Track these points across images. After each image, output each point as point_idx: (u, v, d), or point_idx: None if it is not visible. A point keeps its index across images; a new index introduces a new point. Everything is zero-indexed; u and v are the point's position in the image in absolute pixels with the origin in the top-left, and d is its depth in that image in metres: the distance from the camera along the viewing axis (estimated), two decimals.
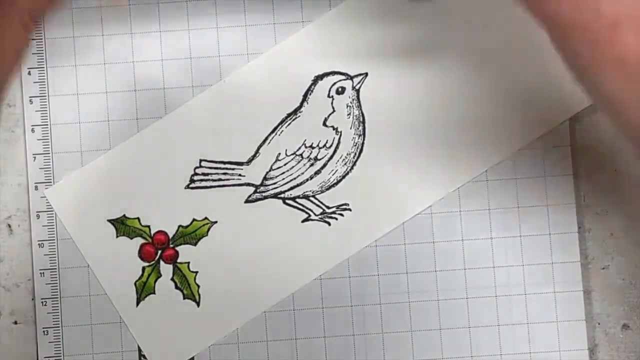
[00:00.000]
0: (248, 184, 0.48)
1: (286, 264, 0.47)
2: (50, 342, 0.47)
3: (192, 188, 0.48)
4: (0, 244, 0.48)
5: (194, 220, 0.48)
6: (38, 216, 0.48)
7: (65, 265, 0.47)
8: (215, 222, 0.48)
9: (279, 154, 0.48)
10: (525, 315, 0.47)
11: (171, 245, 0.48)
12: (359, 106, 0.48)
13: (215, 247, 0.47)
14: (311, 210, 0.47)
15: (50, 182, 0.48)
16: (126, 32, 0.48)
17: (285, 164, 0.48)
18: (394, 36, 0.48)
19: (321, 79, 0.48)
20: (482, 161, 0.47)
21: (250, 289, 0.47)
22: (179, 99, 0.48)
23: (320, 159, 0.47)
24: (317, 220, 0.47)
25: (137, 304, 0.47)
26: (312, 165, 0.48)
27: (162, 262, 0.48)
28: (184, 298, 0.47)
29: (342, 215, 0.47)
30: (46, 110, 0.48)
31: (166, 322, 0.47)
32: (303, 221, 0.48)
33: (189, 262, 0.48)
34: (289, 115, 0.48)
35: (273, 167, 0.48)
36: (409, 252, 0.47)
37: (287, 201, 0.48)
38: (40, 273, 0.47)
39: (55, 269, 0.47)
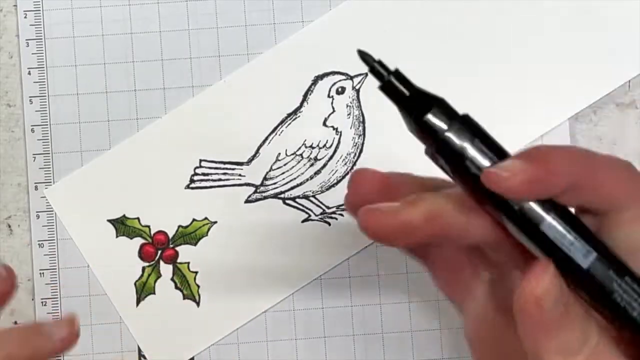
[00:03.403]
0: (248, 184, 0.48)
1: (286, 264, 0.47)
2: None
3: (192, 188, 0.48)
4: (0, 244, 0.48)
5: (193, 220, 0.48)
6: (38, 216, 0.48)
7: (65, 265, 0.47)
8: (215, 222, 0.48)
9: (279, 154, 0.48)
10: None
11: (171, 246, 0.48)
12: (359, 106, 0.48)
13: (215, 247, 0.47)
14: (311, 210, 0.47)
15: (50, 182, 0.48)
16: (126, 32, 0.48)
17: (285, 164, 0.48)
18: (394, 36, 0.48)
19: (321, 79, 0.48)
20: None
21: (250, 289, 0.47)
22: (179, 99, 0.48)
23: (320, 159, 0.48)
24: (317, 220, 0.47)
25: (137, 304, 0.47)
26: (312, 165, 0.48)
27: (162, 262, 0.48)
28: (184, 298, 0.47)
29: (342, 215, 0.47)
30: (46, 110, 0.48)
31: (166, 322, 0.47)
32: (303, 221, 0.48)
33: (189, 262, 0.48)
34: (289, 115, 0.48)
35: (273, 167, 0.48)
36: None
37: (287, 201, 0.48)
38: (40, 273, 0.47)
39: (55, 269, 0.47)
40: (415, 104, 0.30)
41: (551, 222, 0.29)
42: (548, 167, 0.29)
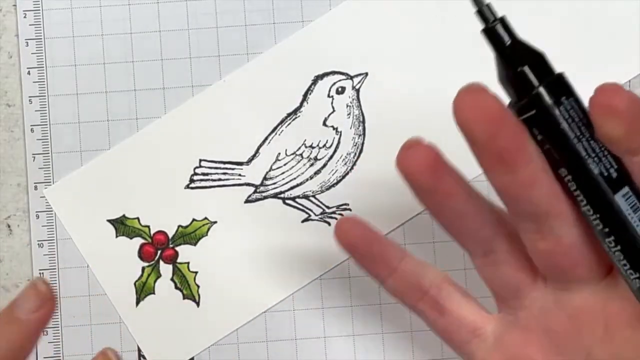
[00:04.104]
0: (248, 184, 0.48)
1: (286, 264, 0.47)
2: (50, 342, 0.47)
3: (192, 188, 0.48)
4: (0, 244, 0.48)
5: (193, 220, 0.48)
6: (37, 216, 0.48)
7: (65, 265, 0.47)
8: (215, 222, 0.47)
9: (279, 153, 0.48)
10: None
11: (171, 245, 0.48)
12: (359, 106, 0.48)
13: (215, 247, 0.47)
14: (311, 210, 0.47)
15: (50, 182, 0.48)
16: (126, 31, 0.48)
17: (285, 164, 0.48)
18: (394, 36, 0.48)
19: (321, 78, 0.48)
20: None
21: (250, 289, 0.47)
22: (179, 99, 0.48)
23: (320, 159, 0.47)
24: (317, 220, 0.47)
25: (137, 304, 0.47)
26: (312, 165, 0.48)
27: (161, 262, 0.48)
28: (184, 298, 0.47)
29: (342, 215, 0.47)
30: (46, 110, 0.48)
31: (166, 322, 0.47)
32: (303, 221, 0.48)
33: (188, 262, 0.47)
34: (289, 115, 0.48)
35: (273, 167, 0.48)
36: (409, 252, 0.47)
37: (287, 201, 0.48)
38: (40, 273, 0.47)
39: (54, 269, 0.47)
40: (513, 55, 0.30)
41: (627, 192, 0.29)
42: None
